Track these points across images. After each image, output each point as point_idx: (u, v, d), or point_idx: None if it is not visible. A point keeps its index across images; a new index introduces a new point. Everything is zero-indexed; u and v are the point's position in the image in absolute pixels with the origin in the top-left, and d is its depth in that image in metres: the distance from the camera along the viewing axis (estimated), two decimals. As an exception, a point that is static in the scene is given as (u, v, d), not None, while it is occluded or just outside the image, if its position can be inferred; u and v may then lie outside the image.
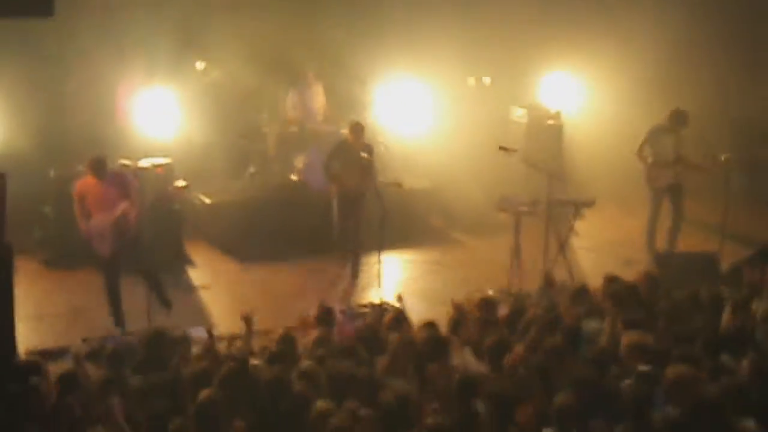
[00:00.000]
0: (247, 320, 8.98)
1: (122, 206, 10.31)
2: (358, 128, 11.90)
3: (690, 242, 12.90)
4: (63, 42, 12.65)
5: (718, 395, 7.14)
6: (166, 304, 10.72)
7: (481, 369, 8.18)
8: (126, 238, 10.43)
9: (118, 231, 10.36)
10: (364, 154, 11.83)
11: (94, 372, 8.44)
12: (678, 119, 12.76)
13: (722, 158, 12.89)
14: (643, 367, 7.94)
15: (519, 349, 8.27)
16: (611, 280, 10.01)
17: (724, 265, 11.82)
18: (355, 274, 12.02)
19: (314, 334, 9.15)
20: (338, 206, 11.91)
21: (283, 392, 7.58)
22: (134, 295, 10.67)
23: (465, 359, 8.41)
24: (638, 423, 7.00)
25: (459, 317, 9.29)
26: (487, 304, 9.44)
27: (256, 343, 9.17)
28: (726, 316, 9.22)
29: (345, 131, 12.35)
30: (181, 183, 10.62)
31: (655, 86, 14.37)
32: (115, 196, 10.38)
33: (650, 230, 13.10)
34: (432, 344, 8.39)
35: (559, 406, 7.07)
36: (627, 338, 8.33)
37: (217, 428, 6.94)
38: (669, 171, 12.79)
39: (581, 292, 9.94)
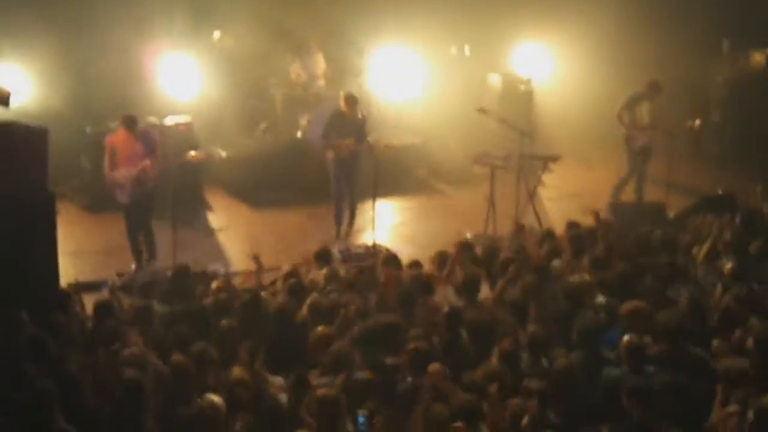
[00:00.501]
0: (256, 259, 9.06)
1: (144, 163, 10.25)
2: (351, 99, 11.63)
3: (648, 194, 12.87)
4: (95, 13, 12.53)
5: (666, 323, 7.27)
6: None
7: (459, 303, 8.20)
8: (143, 191, 10.41)
9: (137, 183, 10.33)
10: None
11: (126, 301, 8.59)
12: (654, 88, 12.51)
13: (695, 123, 12.94)
14: (600, 300, 8.13)
15: (501, 284, 8.39)
16: (572, 226, 10.17)
17: (671, 213, 11.99)
18: (350, 224, 11.90)
19: (315, 270, 9.28)
20: (335, 171, 11.68)
21: (287, 320, 7.73)
22: (160, 236, 10.69)
23: (447, 295, 8.47)
24: (591, 350, 7.08)
25: (441, 259, 9.39)
26: (465, 246, 9.51)
27: (266, 278, 9.30)
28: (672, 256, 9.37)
29: (342, 95, 12.21)
30: (194, 153, 10.56)
31: (617, 57, 14.31)
32: (140, 152, 10.32)
33: (620, 184, 12.85)
34: (417, 281, 8.48)
35: (531, 335, 7.21)
36: (588, 276, 8.48)
37: (235, 351, 7.04)
38: (644, 134, 12.61)
39: (547, 236, 10.07)
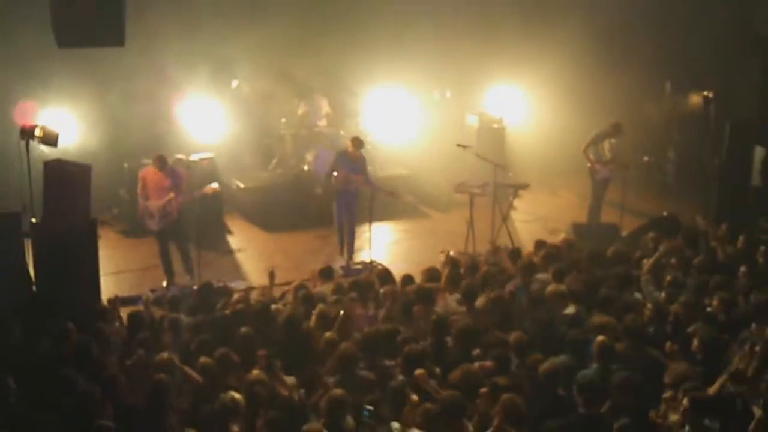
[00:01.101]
0: (271, 275, 9.06)
1: (169, 196, 10.26)
2: (357, 142, 11.53)
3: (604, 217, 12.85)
4: (128, 65, 12.51)
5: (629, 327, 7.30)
6: (190, 270, 10.63)
7: (460, 310, 8.20)
8: (170, 219, 10.39)
9: (164, 213, 10.34)
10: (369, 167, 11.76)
11: (158, 313, 8.58)
12: (617, 129, 12.49)
13: (645, 159, 12.94)
14: (569, 310, 8.08)
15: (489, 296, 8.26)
16: (540, 244, 10.20)
17: (624, 232, 12.02)
18: (350, 249, 11.72)
19: (320, 284, 9.28)
20: (337, 205, 11.58)
21: (297, 327, 7.69)
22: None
23: (448, 304, 8.42)
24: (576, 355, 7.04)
25: (431, 273, 9.35)
26: (453, 262, 9.52)
27: (279, 291, 9.29)
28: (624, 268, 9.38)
29: (344, 136, 12.19)
30: (214, 186, 10.61)
31: (577, 98, 14.32)
32: (168, 186, 10.32)
33: (592, 211, 12.72)
34: (418, 293, 8.43)
35: (514, 341, 7.15)
36: (554, 288, 8.46)
37: (252, 356, 7.04)
38: (606, 167, 12.55)
39: (515, 253, 10.10)
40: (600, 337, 6.92)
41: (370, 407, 5.93)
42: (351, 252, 11.68)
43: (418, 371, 6.41)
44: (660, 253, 9.32)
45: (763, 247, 9.74)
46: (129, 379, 6.70)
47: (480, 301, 8.28)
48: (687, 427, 5.85)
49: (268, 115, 14.13)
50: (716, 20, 13.27)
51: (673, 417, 6.05)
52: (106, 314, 8.35)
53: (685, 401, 5.94)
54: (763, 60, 13.03)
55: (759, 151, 12.86)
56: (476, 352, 7.20)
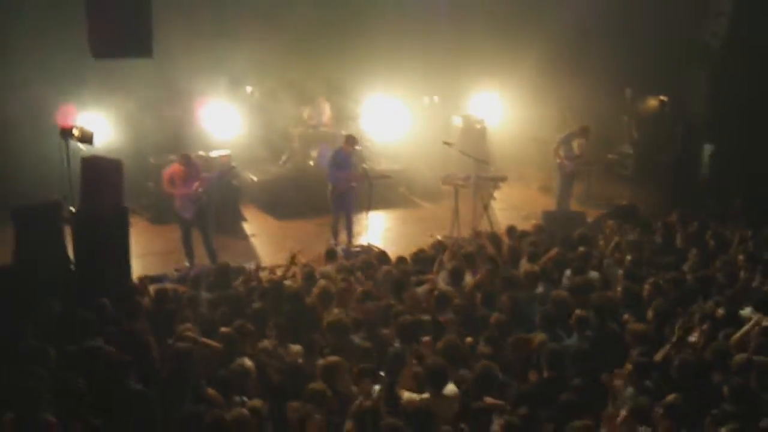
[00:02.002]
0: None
1: (197, 184, 10.27)
2: (351, 139, 11.51)
3: (571, 206, 12.85)
4: (156, 75, 12.46)
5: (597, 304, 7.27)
6: (212, 253, 10.57)
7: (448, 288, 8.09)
8: (200, 204, 10.38)
9: (195, 199, 10.35)
10: (364, 165, 11.70)
11: (181, 289, 8.55)
12: (584, 131, 12.51)
13: (609, 156, 12.93)
14: (539, 289, 8.07)
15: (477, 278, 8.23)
16: (510, 229, 10.19)
17: (589, 219, 12.02)
18: (350, 235, 11.59)
19: (324, 265, 9.26)
20: (333, 201, 11.43)
21: (300, 302, 7.67)
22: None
23: (438, 282, 8.36)
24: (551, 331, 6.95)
25: (420, 254, 9.35)
26: (440, 245, 9.50)
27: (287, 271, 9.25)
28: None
29: (343, 133, 12.14)
30: (231, 164, 10.68)
31: (548, 101, 14.33)
32: (192, 177, 10.32)
33: (561, 201, 12.72)
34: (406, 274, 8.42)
35: (494, 321, 7.06)
36: (529, 267, 8.48)
37: (264, 327, 7.02)
38: (573, 163, 12.54)
39: (495, 237, 10.11)
40: (577, 312, 6.89)
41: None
42: (350, 236, 11.63)
43: (425, 338, 6.29)
44: (619, 238, 9.32)
45: (710, 231, 9.76)
46: (158, 347, 6.69)
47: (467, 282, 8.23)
48: (629, 388, 5.86)
49: (278, 117, 14.06)
50: (670, 33, 13.24)
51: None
52: (136, 291, 8.36)
53: (628, 366, 5.96)
54: (710, 68, 13.01)
55: (707, 148, 12.89)
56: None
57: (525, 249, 9.21)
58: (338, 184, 11.33)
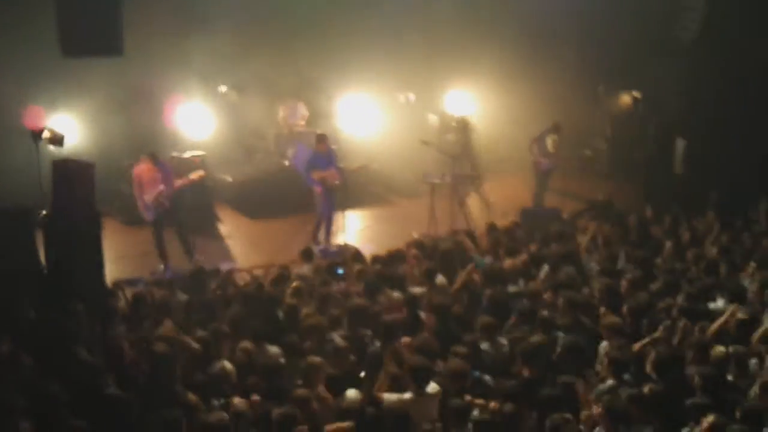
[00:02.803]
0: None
1: (160, 189, 10.19)
2: (322, 138, 11.50)
3: (547, 202, 12.94)
4: (128, 74, 12.37)
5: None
6: (189, 251, 10.56)
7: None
8: (162, 209, 10.30)
9: (157, 204, 10.27)
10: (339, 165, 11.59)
11: (156, 292, 8.48)
12: (556, 128, 12.62)
13: (586, 153, 13.03)
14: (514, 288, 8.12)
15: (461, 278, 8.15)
16: (489, 226, 10.23)
17: (565, 215, 12.11)
18: (328, 234, 11.58)
19: (301, 265, 9.23)
20: (323, 199, 11.38)
21: (277, 304, 7.65)
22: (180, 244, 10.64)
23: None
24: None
25: (396, 254, 9.32)
26: (416, 244, 9.52)
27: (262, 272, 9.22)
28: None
29: (318, 132, 12.07)
30: (200, 172, 10.60)
31: (522, 99, 14.32)
32: (159, 180, 10.25)
33: (537, 197, 12.80)
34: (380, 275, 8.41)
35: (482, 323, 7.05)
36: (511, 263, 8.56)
37: (241, 330, 6.99)
38: (547, 160, 12.64)
39: (471, 234, 10.16)
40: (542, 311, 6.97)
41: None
42: (328, 236, 11.62)
43: (404, 339, 6.29)
44: (593, 233, 9.41)
45: (685, 224, 9.91)
46: (135, 352, 6.65)
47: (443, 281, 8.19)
48: (610, 381, 5.93)
49: (252, 117, 14.02)
50: (641, 28, 13.39)
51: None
52: (110, 294, 8.29)
53: (605, 361, 6.05)
54: (681, 62, 13.18)
55: (680, 143, 13.05)
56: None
57: (503, 245, 9.27)
58: (326, 181, 11.25)
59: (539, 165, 12.69)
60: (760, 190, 11.01)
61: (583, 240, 9.57)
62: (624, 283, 7.85)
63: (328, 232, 11.63)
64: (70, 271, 8.34)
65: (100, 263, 8.74)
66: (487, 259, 9.01)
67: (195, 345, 6.57)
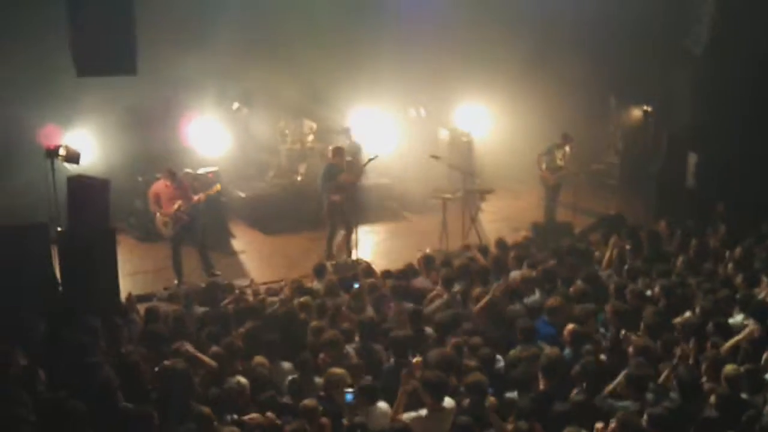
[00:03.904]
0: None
1: (178, 204, 10.26)
2: (338, 151, 11.54)
3: (559, 216, 12.91)
4: (143, 92, 12.45)
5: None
6: (209, 267, 10.64)
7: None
8: (182, 224, 10.38)
9: (176, 219, 10.33)
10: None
11: (170, 308, 8.49)
12: (565, 139, 12.62)
13: (593, 167, 13.01)
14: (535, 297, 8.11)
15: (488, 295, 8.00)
16: (498, 242, 10.21)
17: (577, 230, 12.09)
18: (349, 244, 11.57)
19: (315, 281, 9.22)
20: (330, 215, 11.41)
21: (291, 320, 7.67)
22: (195, 259, 10.69)
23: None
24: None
25: (409, 268, 9.33)
26: (427, 258, 9.49)
27: (277, 288, 9.21)
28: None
29: (330, 149, 12.07)
30: (216, 186, 10.73)
31: (534, 113, 14.35)
32: (177, 196, 10.35)
33: (547, 212, 12.78)
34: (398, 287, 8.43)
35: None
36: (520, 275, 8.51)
37: (255, 346, 7.00)
38: (555, 174, 12.63)
39: (484, 250, 10.13)
40: (569, 327, 6.92)
41: (350, 390, 5.88)
42: (349, 250, 11.50)
43: (416, 359, 6.26)
44: (612, 250, 9.32)
45: (695, 240, 9.84)
46: (148, 367, 6.66)
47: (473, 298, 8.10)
48: (626, 402, 5.88)
49: (265, 134, 14.09)
50: (653, 41, 13.38)
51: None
52: (125, 310, 8.32)
53: (623, 379, 5.99)
54: (693, 76, 13.15)
55: (692, 157, 12.99)
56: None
57: (512, 260, 9.24)
58: (341, 187, 11.27)
59: (545, 180, 12.67)
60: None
61: (602, 255, 9.49)
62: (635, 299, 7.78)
63: (349, 247, 11.50)
64: (84, 287, 8.38)
65: (114, 279, 8.78)
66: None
67: (210, 361, 6.57)
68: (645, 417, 5.40)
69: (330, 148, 11.90)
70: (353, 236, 11.49)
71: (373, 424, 5.72)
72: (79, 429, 5.49)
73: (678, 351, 6.45)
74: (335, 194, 11.30)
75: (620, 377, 6.14)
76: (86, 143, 11.87)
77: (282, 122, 14.04)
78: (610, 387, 6.13)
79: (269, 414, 5.79)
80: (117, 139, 12.61)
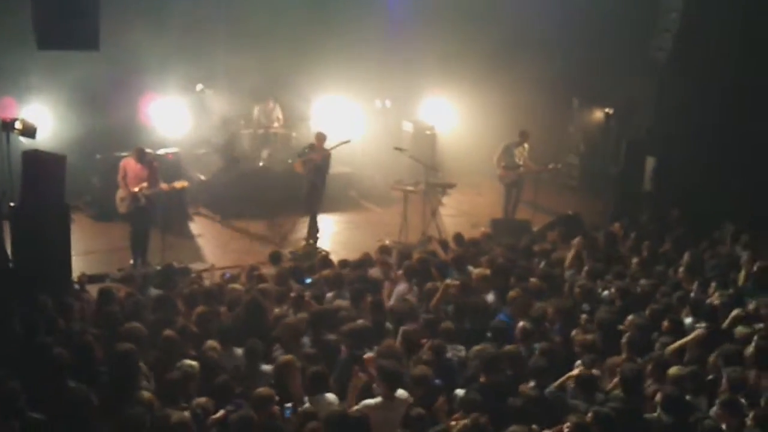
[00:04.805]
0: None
1: (141, 185, 10.14)
2: (321, 136, 11.74)
3: (518, 214, 13.01)
4: (103, 68, 12.19)
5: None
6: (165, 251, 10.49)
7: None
8: (137, 205, 10.23)
9: (133, 200, 10.21)
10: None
11: (124, 290, 8.41)
12: (523, 136, 12.68)
13: (550, 166, 13.17)
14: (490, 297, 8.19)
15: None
16: (456, 237, 10.28)
17: (534, 228, 12.24)
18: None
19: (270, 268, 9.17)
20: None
21: (254, 306, 7.55)
22: (153, 240, 10.55)
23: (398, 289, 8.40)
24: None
25: (366, 258, 9.35)
26: (384, 249, 9.52)
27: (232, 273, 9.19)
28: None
29: (295, 137, 12.05)
30: (183, 182, 10.59)
31: (498, 109, 14.44)
32: (144, 176, 10.20)
33: (506, 209, 12.86)
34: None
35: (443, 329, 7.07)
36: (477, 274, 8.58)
37: (208, 331, 6.97)
38: (514, 173, 12.71)
39: (444, 243, 10.21)
40: (521, 322, 7.02)
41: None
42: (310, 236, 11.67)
43: (367, 355, 6.28)
44: (576, 250, 9.44)
45: (647, 242, 10.04)
46: (100, 348, 6.58)
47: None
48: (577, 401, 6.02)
49: (228, 116, 13.97)
50: (617, 46, 13.59)
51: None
52: (75, 290, 8.20)
53: (574, 380, 6.12)
54: (655, 82, 13.40)
55: (650, 161, 13.25)
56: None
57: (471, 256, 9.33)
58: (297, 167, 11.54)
59: (503, 178, 12.78)
60: (726, 212, 11.19)
61: (560, 254, 9.63)
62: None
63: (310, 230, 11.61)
64: (36, 264, 8.24)
65: (67, 257, 8.65)
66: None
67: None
68: (590, 415, 5.51)
69: (316, 132, 11.98)
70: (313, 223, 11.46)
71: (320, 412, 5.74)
72: (19, 409, 5.41)
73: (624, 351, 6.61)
74: (300, 166, 11.48)
75: (568, 374, 6.26)
76: (43, 118, 11.65)
77: (256, 107, 13.91)
78: (557, 383, 6.24)
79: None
80: (75, 115, 12.40)
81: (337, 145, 11.88)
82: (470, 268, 8.89)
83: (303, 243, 11.60)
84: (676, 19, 12.95)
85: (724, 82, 12.42)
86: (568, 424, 5.41)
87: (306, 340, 6.92)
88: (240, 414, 5.41)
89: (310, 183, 11.63)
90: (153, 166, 10.38)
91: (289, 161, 12.12)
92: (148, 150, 11.74)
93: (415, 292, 8.25)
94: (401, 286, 8.39)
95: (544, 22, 14.07)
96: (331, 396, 5.98)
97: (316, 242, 11.64)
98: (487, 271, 8.43)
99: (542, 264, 9.31)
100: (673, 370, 6.25)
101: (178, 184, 10.38)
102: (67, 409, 5.57)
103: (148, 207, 10.32)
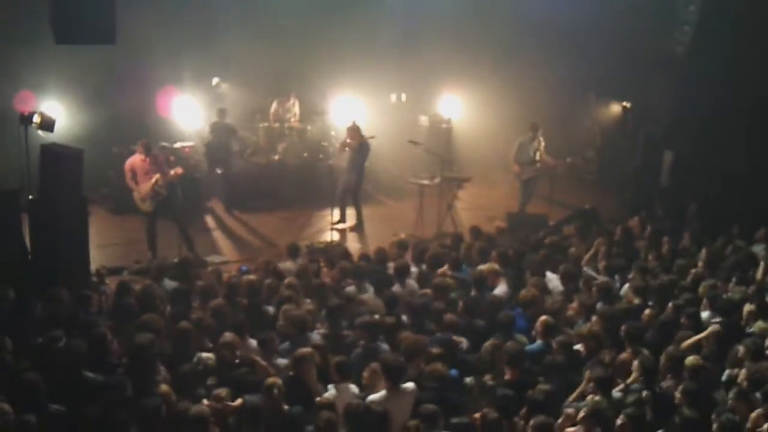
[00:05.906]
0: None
1: (155, 177, 10.17)
2: (353, 128, 11.84)
3: (534, 208, 12.93)
4: (121, 62, 12.28)
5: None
6: (189, 241, 10.56)
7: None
8: (159, 198, 10.29)
9: (154, 194, 10.24)
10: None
11: (141, 282, 8.45)
12: (534, 129, 12.60)
13: (568, 160, 13.08)
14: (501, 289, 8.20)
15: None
16: (472, 229, 10.26)
17: (551, 222, 12.18)
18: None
19: (286, 261, 9.19)
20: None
21: (259, 298, 7.67)
22: (170, 233, 10.58)
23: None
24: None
25: (381, 252, 9.33)
26: (399, 243, 9.53)
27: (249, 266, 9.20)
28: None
29: (311, 131, 12.04)
30: (178, 170, 10.59)
31: (514, 104, 14.35)
32: (153, 170, 10.22)
33: (521, 204, 12.78)
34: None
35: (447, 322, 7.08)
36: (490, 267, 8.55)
37: (224, 323, 7.00)
38: (530, 169, 12.63)
39: (458, 237, 10.18)
40: (542, 318, 6.98)
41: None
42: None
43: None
44: (595, 247, 9.40)
45: (666, 237, 9.98)
46: (118, 339, 6.64)
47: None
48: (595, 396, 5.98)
49: (244, 111, 14.00)
50: (636, 40, 13.47)
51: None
52: (95, 282, 8.27)
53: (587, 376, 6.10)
54: (674, 76, 13.27)
55: (668, 156, 13.14)
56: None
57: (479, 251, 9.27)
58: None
59: (520, 174, 12.71)
60: (741, 208, 11.07)
61: (577, 250, 9.58)
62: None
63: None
64: (54, 257, 8.31)
65: (85, 250, 8.71)
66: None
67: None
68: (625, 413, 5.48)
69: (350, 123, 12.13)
70: (327, 219, 11.49)
71: (341, 400, 5.75)
72: (39, 400, 5.46)
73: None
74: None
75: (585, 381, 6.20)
76: (61, 111, 11.74)
77: (275, 101, 13.92)
78: (576, 393, 6.19)
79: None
80: (91, 108, 12.46)
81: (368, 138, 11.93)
82: (482, 265, 8.82)
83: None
84: (694, 12, 12.81)
85: (743, 76, 12.29)
86: (583, 413, 5.40)
87: (311, 334, 6.92)
88: (251, 401, 5.45)
89: (347, 175, 11.77)
90: (158, 158, 10.40)
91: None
92: (164, 144, 11.88)
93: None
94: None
95: (561, 15, 13.97)
96: (354, 386, 6.02)
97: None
98: (496, 266, 8.40)
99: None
100: (690, 360, 6.21)
101: (172, 172, 10.35)
102: (85, 401, 5.62)
103: (170, 195, 10.34)
